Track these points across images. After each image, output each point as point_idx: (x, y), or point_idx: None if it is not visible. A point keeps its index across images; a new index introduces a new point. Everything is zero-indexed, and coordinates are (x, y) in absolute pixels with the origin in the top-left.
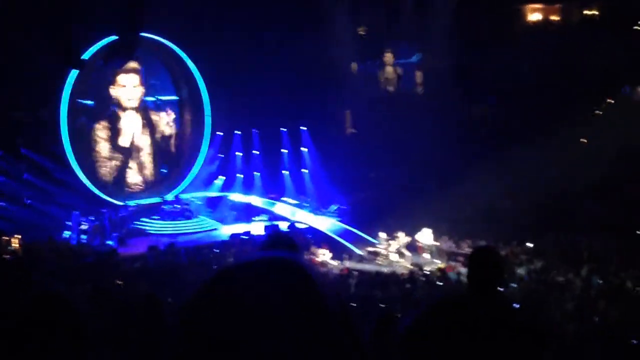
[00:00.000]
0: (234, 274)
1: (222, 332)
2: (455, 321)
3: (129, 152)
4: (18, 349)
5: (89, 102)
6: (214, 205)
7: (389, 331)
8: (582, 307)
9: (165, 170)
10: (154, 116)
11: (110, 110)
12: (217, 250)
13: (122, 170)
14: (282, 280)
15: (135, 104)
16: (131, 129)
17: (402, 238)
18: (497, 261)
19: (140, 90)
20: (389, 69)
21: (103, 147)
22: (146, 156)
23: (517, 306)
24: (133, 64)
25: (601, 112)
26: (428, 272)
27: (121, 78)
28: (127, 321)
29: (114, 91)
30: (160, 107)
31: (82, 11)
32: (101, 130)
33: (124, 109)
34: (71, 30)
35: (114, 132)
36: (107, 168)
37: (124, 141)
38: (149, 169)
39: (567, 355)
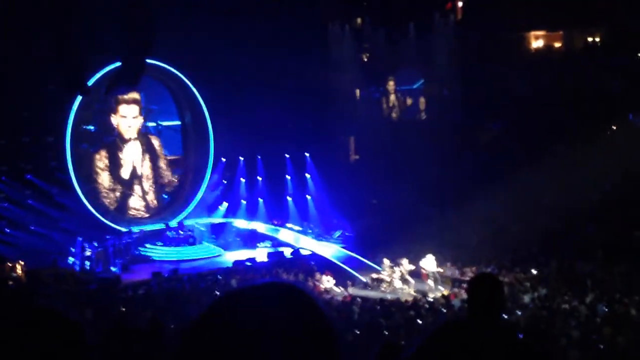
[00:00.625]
0: (238, 298)
1: (225, 355)
2: (458, 348)
3: (131, 182)
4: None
5: (91, 128)
6: (217, 231)
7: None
8: (587, 334)
9: (167, 197)
10: (155, 142)
11: (111, 139)
12: (221, 277)
13: (124, 198)
14: (287, 306)
15: (135, 133)
16: (131, 158)
17: (406, 265)
18: (497, 287)
19: (140, 120)
20: (392, 96)
21: (104, 178)
22: (148, 182)
23: (520, 334)
24: (133, 95)
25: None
26: (432, 300)
27: (122, 108)
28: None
29: (114, 120)
30: (161, 132)
31: (88, 38)
32: (100, 161)
33: (124, 139)
34: (76, 57)
35: (115, 162)
36: (109, 199)
37: (124, 172)
38: (151, 195)
39: None
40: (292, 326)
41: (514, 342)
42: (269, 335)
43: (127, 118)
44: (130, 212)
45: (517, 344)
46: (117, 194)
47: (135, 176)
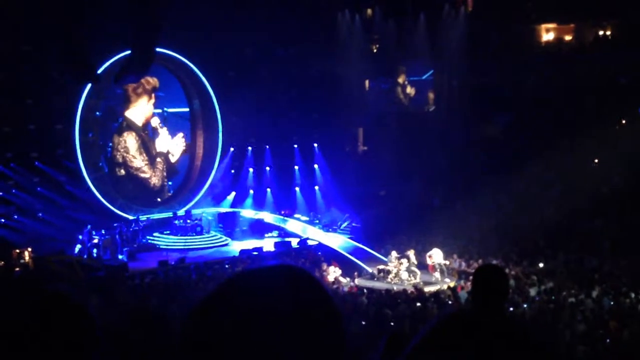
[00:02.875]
0: (246, 279)
1: (231, 335)
2: (462, 337)
3: (160, 158)
4: (21, 348)
5: (98, 114)
6: (225, 220)
7: (400, 351)
8: (593, 328)
9: (170, 183)
10: (162, 130)
11: (130, 123)
12: (228, 266)
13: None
14: (294, 287)
15: (154, 120)
16: (168, 143)
17: (413, 256)
18: (501, 278)
19: (152, 106)
20: (401, 87)
21: (139, 157)
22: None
23: (525, 325)
24: (154, 81)
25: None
26: (438, 291)
27: (144, 94)
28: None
29: (134, 105)
30: (167, 119)
31: (98, 26)
32: (133, 142)
33: (143, 123)
34: (85, 45)
35: (145, 144)
36: (156, 176)
37: (161, 147)
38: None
39: None
40: (299, 307)
41: (516, 332)
42: (275, 315)
43: (151, 103)
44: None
45: (519, 333)
46: (159, 169)
47: (153, 158)
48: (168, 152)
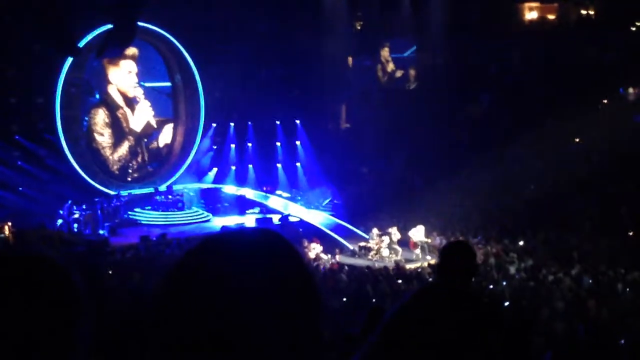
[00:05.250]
0: (217, 244)
1: (201, 306)
2: (428, 312)
3: (128, 138)
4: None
5: (79, 89)
6: (206, 196)
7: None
8: (571, 306)
9: (151, 169)
10: (143, 104)
11: (107, 97)
12: None
13: (132, 157)
14: (268, 252)
15: (132, 91)
16: (146, 116)
17: (394, 234)
18: (467, 254)
19: (135, 78)
20: (385, 64)
21: (106, 135)
22: (139, 143)
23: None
24: (132, 51)
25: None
26: (419, 268)
27: (121, 64)
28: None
29: (112, 77)
30: (148, 94)
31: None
32: (103, 117)
33: (128, 97)
34: (67, 17)
35: (116, 119)
36: (114, 156)
37: (136, 125)
38: (141, 157)
39: (556, 355)
40: (274, 272)
41: (478, 306)
42: (249, 281)
43: (125, 74)
44: (130, 171)
45: (480, 308)
46: (121, 152)
47: (128, 133)
48: (152, 132)
